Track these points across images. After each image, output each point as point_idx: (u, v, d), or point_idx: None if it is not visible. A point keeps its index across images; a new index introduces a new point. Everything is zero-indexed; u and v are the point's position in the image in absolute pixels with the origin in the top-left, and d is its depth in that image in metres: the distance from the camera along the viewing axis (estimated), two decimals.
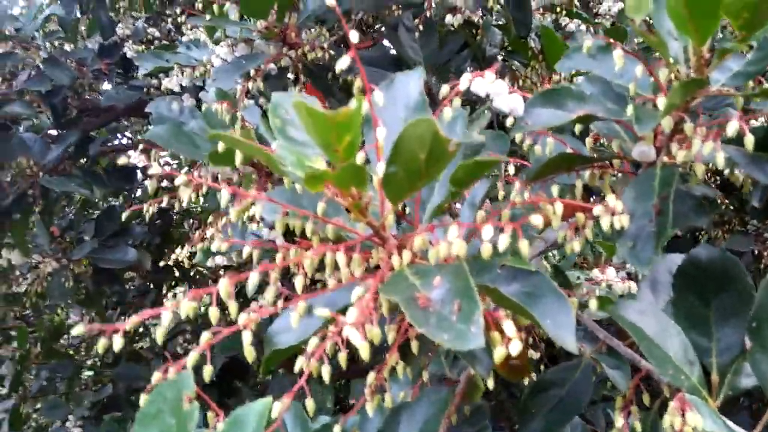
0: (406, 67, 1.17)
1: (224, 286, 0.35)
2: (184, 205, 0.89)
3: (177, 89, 1.27)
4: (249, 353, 0.35)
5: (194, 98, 1.30)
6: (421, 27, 1.01)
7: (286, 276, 0.42)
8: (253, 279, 0.37)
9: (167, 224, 2.18)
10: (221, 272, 2.45)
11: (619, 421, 0.45)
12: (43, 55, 1.38)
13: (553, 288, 0.35)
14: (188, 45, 1.26)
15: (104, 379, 2.26)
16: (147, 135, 0.83)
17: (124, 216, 0.88)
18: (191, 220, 2.70)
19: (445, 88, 0.48)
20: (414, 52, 1.14)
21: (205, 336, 0.35)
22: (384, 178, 0.38)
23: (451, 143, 0.34)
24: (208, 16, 0.95)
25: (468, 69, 1.25)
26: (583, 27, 1.32)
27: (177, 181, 0.48)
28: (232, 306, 0.35)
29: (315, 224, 0.42)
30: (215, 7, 0.94)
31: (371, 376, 0.43)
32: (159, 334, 0.35)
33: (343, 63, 0.39)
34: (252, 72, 0.93)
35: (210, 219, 0.87)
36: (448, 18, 0.96)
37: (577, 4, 1.69)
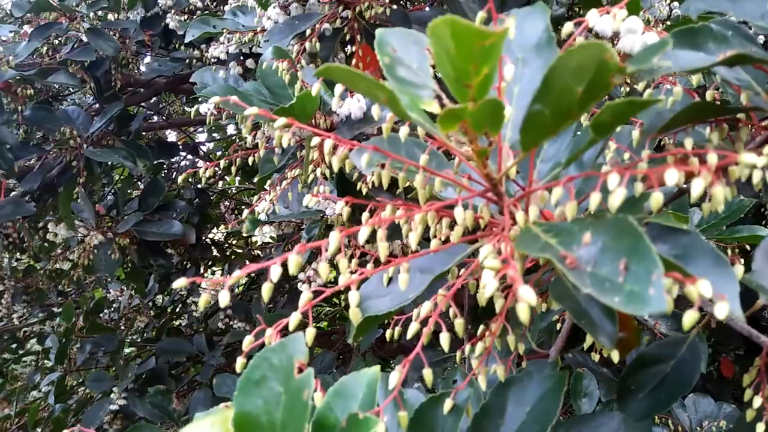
0: None
1: (335, 239, 0.31)
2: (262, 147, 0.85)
3: (223, 56, 1.23)
4: (355, 315, 0.31)
5: (240, 66, 1.26)
6: None
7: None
8: (363, 233, 0.32)
9: (205, 204, 2.18)
10: (261, 248, 2.44)
11: (757, 400, 0.40)
12: (87, 26, 1.35)
13: (709, 249, 0.30)
14: (234, 12, 1.21)
15: (145, 354, 2.28)
16: (203, 91, 0.79)
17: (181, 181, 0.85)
18: (227, 201, 2.70)
19: (569, 26, 0.43)
20: (472, 12, 1.07)
21: (306, 296, 0.31)
22: (526, 118, 0.32)
23: (624, 71, 0.28)
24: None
25: None
26: None
27: (246, 113, 0.44)
28: (343, 263, 0.31)
29: (421, 175, 0.38)
30: None
31: (480, 347, 0.38)
32: (265, 291, 0.30)
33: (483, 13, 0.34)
34: (308, 32, 0.89)
35: (267, 185, 0.83)
36: None
37: None
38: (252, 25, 1.14)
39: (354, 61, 0.94)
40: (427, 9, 1.21)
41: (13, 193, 1.40)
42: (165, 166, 2.18)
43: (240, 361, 0.30)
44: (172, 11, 1.54)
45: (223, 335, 2.22)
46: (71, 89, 1.73)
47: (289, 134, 0.39)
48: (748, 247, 0.91)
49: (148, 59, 1.72)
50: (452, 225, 0.39)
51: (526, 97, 0.42)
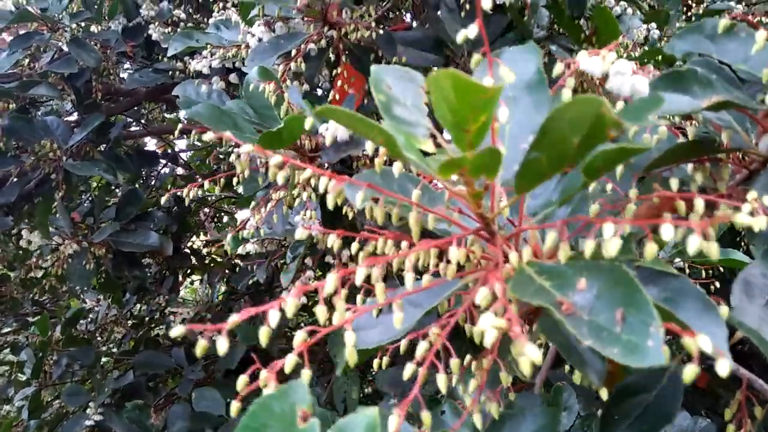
0: (447, 49, 1.13)
1: (332, 281, 0.31)
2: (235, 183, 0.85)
3: (206, 71, 1.23)
4: (351, 356, 0.31)
5: (224, 81, 1.26)
6: (467, 6, 0.96)
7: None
8: (360, 274, 0.33)
9: (184, 212, 2.16)
10: (243, 259, 2.43)
11: None
12: (68, 37, 1.33)
13: (698, 293, 0.31)
14: (218, 25, 1.21)
15: (123, 366, 2.25)
16: (188, 113, 0.78)
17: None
18: (207, 209, 2.68)
19: (559, 66, 0.44)
20: (455, 33, 1.09)
21: (300, 336, 0.31)
22: (523, 165, 0.33)
23: (621, 126, 0.29)
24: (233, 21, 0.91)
25: None
26: (629, 10, 1.26)
27: (241, 150, 0.44)
28: (340, 304, 0.31)
29: (415, 212, 0.38)
30: None
31: (473, 384, 0.39)
32: (263, 335, 0.30)
33: (471, 32, 0.35)
34: (293, 52, 0.89)
35: (252, 205, 0.83)
36: None
37: None
38: (236, 40, 1.14)
39: (338, 82, 0.95)
40: (414, 25, 1.22)
41: None
42: (144, 173, 2.16)
43: (234, 405, 0.30)
44: (155, 22, 1.53)
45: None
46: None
47: (284, 171, 0.40)
48: (721, 269, 0.93)
49: (128, 68, 1.70)
50: (441, 256, 0.39)
51: (517, 136, 0.43)
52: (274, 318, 0.30)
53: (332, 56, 0.93)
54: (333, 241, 0.41)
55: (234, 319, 0.29)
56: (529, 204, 0.44)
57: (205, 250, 2.81)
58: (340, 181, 0.37)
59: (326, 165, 0.82)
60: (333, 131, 0.77)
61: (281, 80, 0.87)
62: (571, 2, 0.91)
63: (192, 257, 2.56)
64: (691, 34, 0.51)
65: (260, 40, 0.97)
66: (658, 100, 0.36)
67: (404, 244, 0.42)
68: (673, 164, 0.45)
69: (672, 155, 0.44)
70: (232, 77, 1.25)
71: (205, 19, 1.51)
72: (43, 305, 2.34)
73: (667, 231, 0.28)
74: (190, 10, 1.69)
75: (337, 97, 0.98)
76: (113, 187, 2.03)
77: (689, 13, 1.75)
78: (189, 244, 2.67)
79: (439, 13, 1.09)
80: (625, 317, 0.25)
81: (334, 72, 0.99)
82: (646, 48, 1.08)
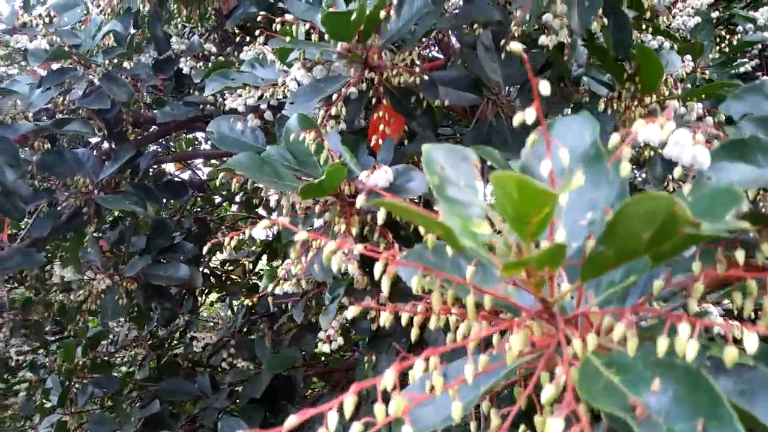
0: (484, 88, 1.11)
1: (390, 377, 0.29)
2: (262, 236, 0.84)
3: (241, 109, 1.22)
4: None
5: (258, 118, 1.26)
6: (508, 48, 0.95)
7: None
8: (418, 368, 0.31)
9: (204, 233, 2.16)
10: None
11: None
12: (101, 72, 1.34)
13: None
14: (253, 63, 1.21)
15: (146, 394, 2.24)
16: (229, 163, 0.78)
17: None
18: (225, 228, 2.68)
19: (615, 137, 0.42)
20: (493, 72, 1.08)
21: (357, 428, 0.29)
22: (589, 258, 0.32)
23: (697, 226, 0.27)
24: (287, 38, 0.90)
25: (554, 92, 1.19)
26: (667, 44, 1.24)
27: (297, 238, 0.43)
28: (399, 400, 0.29)
29: (471, 296, 0.37)
30: (293, 27, 0.89)
31: None
32: None
33: (529, 116, 0.33)
34: (334, 96, 0.88)
35: (291, 251, 0.82)
36: (542, 39, 0.90)
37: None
38: (271, 78, 1.14)
39: (378, 124, 0.94)
40: (447, 62, 1.21)
41: (18, 241, 1.38)
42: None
43: None
44: (186, 56, 1.54)
45: (225, 373, 2.19)
46: None
47: (338, 257, 0.38)
48: None
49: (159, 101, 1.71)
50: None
51: (575, 213, 0.41)
52: (332, 420, 0.29)
53: (372, 99, 0.93)
54: (386, 318, 0.40)
55: (292, 421, 0.27)
56: (590, 282, 0.42)
57: (223, 270, 2.81)
58: (394, 263, 0.36)
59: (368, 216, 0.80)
60: (374, 180, 0.76)
61: (321, 126, 0.86)
62: (617, 45, 0.89)
63: (210, 277, 2.56)
64: (750, 94, 0.49)
65: (299, 83, 0.96)
66: (737, 197, 0.33)
67: (461, 329, 0.40)
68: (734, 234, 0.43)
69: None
70: (267, 114, 1.24)
71: (237, 53, 1.51)
72: (63, 325, 2.35)
73: (752, 343, 0.26)
74: (218, 40, 1.70)
75: (374, 138, 0.97)
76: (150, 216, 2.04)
77: (722, 45, 1.72)
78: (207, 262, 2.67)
79: (476, 51, 1.08)
80: (707, 430, 0.23)
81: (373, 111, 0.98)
82: (689, 85, 1.06)
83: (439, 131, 1.24)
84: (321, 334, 1.05)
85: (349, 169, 0.83)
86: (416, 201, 1.01)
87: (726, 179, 0.41)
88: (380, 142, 0.96)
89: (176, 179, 1.97)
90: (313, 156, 0.81)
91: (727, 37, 1.74)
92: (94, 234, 1.59)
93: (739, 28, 1.91)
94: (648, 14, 0.89)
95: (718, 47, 1.76)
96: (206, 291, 2.70)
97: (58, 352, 2.25)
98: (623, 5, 0.89)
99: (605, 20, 0.82)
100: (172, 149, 2.16)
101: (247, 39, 1.37)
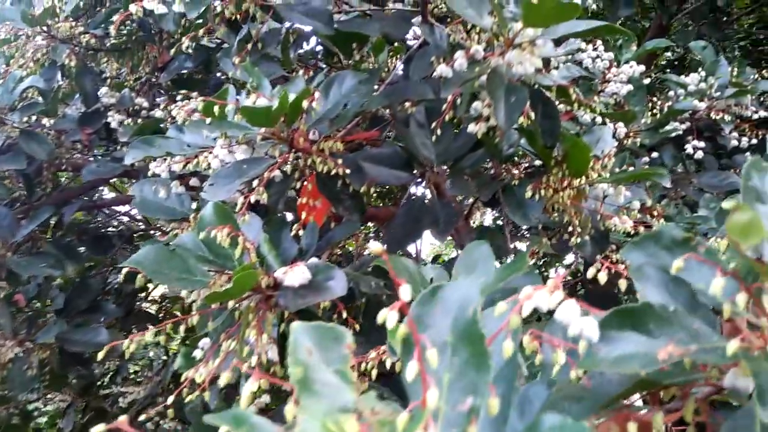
0: (417, 165, 1.10)
1: None
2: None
3: (165, 175, 1.17)
4: None
5: (184, 185, 1.20)
6: (438, 131, 0.93)
7: None
8: None
9: (135, 291, 2.05)
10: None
11: None
12: (18, 128, 1.26)
13: None
14: (180, 127, 1.16)
15: None
16: (128, 261, 0.72)
17: None
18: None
19: (501, 306, 0.39)
20: (426, 149, 1.06)
21: None
22: None
23: None
24: (207, 119, 0.86)
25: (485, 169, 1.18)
26: (598, 119, 1.26)
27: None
28: None
29: None
30: (216, 108, 0.85)
31: None
32: None
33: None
34: (255, 182, 0.84)
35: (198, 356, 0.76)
36: (472, 127, 0.89)
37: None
38: (199, 144, 1.09)
39: (303, 207, 0.90)
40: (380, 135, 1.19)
41: None
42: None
43: None
44: (115, 110, 1.47)
45: None
46: None
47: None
48: None
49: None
50: None
51: (455, 396, 0.37)
52: None
53: (297, 184, 0.89)
54: None
55: None
56: None
57: (160, 308, 2.67)
58: None
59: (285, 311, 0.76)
60: (291, 280, 0.72)
61: (241, 213, 0.82)
62: (545, 133, 0.89)
63: (146, 317, 2.42)
64: (648, 243, 0.47)
65: (223, 161, 0.92)
66: None
67: None
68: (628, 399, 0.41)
69: (630, 391, 0.40)
70: (194, 181, 1.19)
71: (169, 110, 1.46)
72: None
73: None
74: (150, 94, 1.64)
75: (303, 217, 0.93)
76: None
77: (654, 110, 1.78)
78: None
79: (408, 127, 1.06)
80: None
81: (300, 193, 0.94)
82: (617, 169, 1.07)
83: None
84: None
85: (267, 263, 0.78)
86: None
87: (615, 352, 0.39)
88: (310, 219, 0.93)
89: (103, 232, 1.87)
90: (229, 249, 0.76)
91: (659, 103, 1.79)
92: (6, 294, 1.47)
93: (671, 93, 1.98)
94: (576, 105, 0.90)
95: (650, 112, 1.81)
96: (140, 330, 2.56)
97: None
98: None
99: (532, 114, 0.82)
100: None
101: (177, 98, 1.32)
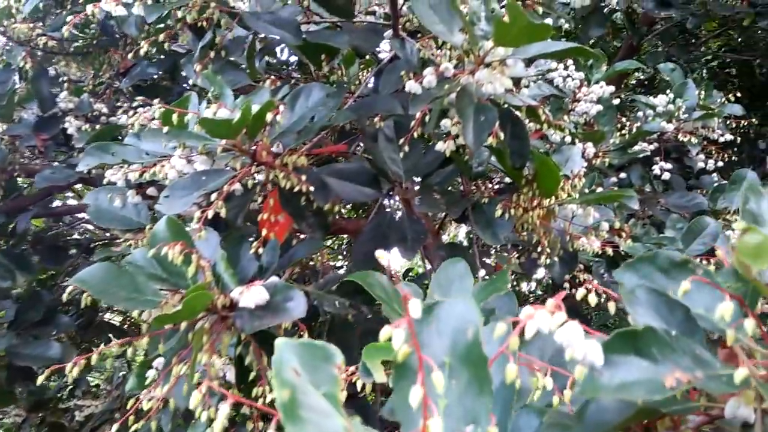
0: (386, 181, 1.07)
1: None
2: None
3: (121, 183, 1.12)
4: None
5: (140, 194, 1.15)
6: (406, 148, 0.91)
7: None
8: None
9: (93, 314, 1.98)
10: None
11: None
12: None
13: None
14: (138, 135, 1.11)
15: None
16: (73, 279, 0.67)
17: None
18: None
19: (501, 327, 0.37)
20: (395, 164, 1.03)
21: None
22: None
23: None
24: (165, 128, 0.82)
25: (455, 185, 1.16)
26: (568, 138, 1.25)
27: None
28: None
29: None
30: (174, 117, 0.81)
31: None
32: None
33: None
34: (213, 195, 0.80)
35: (149, 379, 0.72)
36: (440, 146, 0.86)
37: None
38: (158, 151, 1.05)
39: (264, 223, 0.86)
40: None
41: None
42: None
43: None
44: (73, 115, 1.41)
45: None
46: None
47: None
48: None
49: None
50: None
51: (452, 424, 0.35)
52: None
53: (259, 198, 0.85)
54: None
55: None
56: None
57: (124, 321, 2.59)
58: None
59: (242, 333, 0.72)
60: (247, 301, 0.68)
61: (197, 228, 0.77)
62: (514, 154, 0.87)
63: (109, 328, 2.33)
64: (643, 264, 0.46)
65: (181, 172, 0.88)
66: None
67: None
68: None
69: (628, 420, 0.38)
70: (151, 191, 1.14)
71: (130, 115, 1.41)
72: None
73: None
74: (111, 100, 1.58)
75: (264, 231, 0.90)
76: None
77: (623, 131, 1.79)
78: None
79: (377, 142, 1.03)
80: None
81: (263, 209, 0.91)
82: (586, 190, 1.06)
83: None
84: None
85: (223, 282, 0.74)
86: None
87: (618, 378, 0.37)
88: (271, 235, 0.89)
89: (60, 242, 1.80)
90: (182, 266, 0.72)
91: (628, 123, 1.81)
92: None
93: (640, 113, 2.00)
94: (545, 125, 0.88)
95: (619, 132, 1.83)
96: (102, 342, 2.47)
97: None
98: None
99: (501, 135, 0.80)
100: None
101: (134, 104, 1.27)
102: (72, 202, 2.21)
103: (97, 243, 2.02)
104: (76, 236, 2.08)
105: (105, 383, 2.85)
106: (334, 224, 1.32)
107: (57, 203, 1.88)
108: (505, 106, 0.86)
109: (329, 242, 2.42)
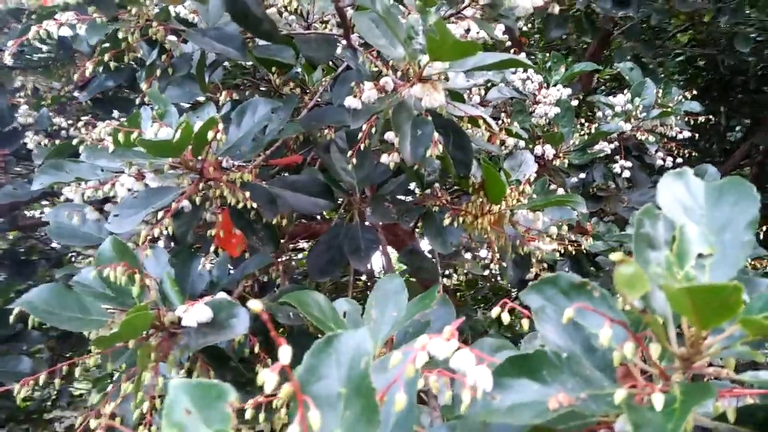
0: (339, 191, 1.09)
1: None
2: None
3: (78, 200, 1.12)
4: None
5: (98, 210, 1.16)
6: (354, 160, 0.93)
7: None
8: None
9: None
10: None
11: None
12: None
13: None
14: (92, 151, 1.12)
15: None
16: (18, 302, 0.68)
17: None
18: None
19: (396, 356, 0.39)
20: (348, 175, 1.05)
21: None
22: None
23: None
24: (111, 147, 0.83)
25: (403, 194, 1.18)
26: (522, 143, 1.28)
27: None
28: None
29: None
30: (120, 135, 0.82)
31: None
32: None
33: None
34: (161, 213, 0.81)
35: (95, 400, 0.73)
36: (384, 158, 0.88)
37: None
38: (114, 167, 1.05)
39: (216, 230, 0.88)
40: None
41: None
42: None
43: None
44: (32, 130, 1.41)
45: None
46: None
47: None
48: None
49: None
50: None
51: None
52: None
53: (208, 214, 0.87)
54: None
55: None
56: None
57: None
58: None
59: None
60: (191, 319, 0.70)
61: (143, 247, 0.79)
62: (458, 164, 0.89)
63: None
64: (546, 286, 0.48)
65: (130, 190, 0.89)
66: None
67: None
68: None
69: None
70: (108, 206, 1.15)
71: (91, 129, 1.41)
72: None
73: None
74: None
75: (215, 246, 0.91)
76: None
77: (582, 132, 1.82)
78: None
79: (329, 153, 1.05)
80: None
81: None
82: (534, 195, 1.08)
83: None
84: None
85: (170, 300, 0.76)
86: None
87: (509, 401, 0.39)
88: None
89: (25, 257, 1.79)
90: (128, 284, 0.74)
91: (586, 125, 1.84)
92: None
93: (599, 114, 2.04)
94: (498, 143, 0.91)
95: (578, 133, 1.86)
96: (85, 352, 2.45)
97: None
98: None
99: (441, 147, 0.82)
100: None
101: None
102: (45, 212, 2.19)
103: (69, 255, 2.02)
104: (48, 248, 2.07)
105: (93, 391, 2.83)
106: (307, 229, 1.34)
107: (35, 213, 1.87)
108: (447, 116, 0.88)
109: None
